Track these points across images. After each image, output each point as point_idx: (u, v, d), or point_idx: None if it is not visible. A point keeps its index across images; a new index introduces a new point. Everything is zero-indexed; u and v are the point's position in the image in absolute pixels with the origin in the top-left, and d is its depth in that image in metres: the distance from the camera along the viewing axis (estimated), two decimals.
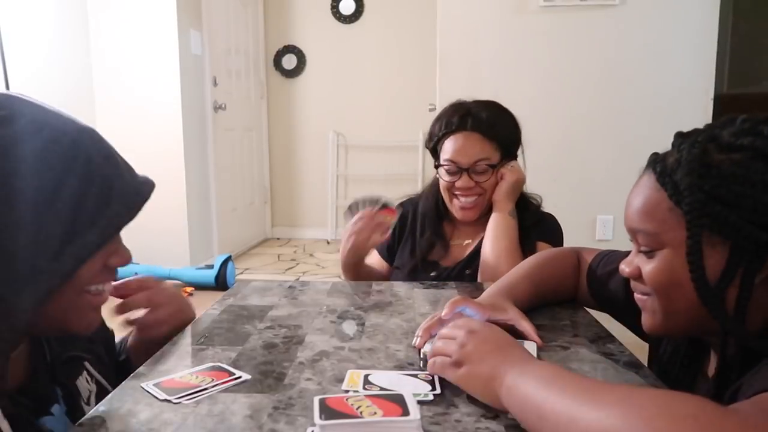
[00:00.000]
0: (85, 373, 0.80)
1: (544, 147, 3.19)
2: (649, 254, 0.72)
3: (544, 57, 3.22)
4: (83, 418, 0.65)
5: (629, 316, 0.87)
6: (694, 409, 0.46)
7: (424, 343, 0.82)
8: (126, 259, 0.73)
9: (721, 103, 3.14)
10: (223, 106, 4.09)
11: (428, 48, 3.95)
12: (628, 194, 0.76)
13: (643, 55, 3.16)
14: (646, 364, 0.84)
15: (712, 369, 0.76)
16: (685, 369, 0.81)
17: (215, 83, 4.02)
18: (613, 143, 3.27)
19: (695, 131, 0.71)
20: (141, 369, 0.78)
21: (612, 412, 0.49)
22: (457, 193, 1.40)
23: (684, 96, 3.15)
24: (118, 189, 0.67)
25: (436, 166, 1.43)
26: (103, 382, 0.81)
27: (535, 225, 1.41)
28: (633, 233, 0.75)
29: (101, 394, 0.78)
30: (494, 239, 1.36)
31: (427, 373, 0.74)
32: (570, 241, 1.55)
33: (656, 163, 0.72)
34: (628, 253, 0.80)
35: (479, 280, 1.36)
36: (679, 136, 0.72)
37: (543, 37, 3.20)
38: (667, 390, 0.51)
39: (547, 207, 1.54)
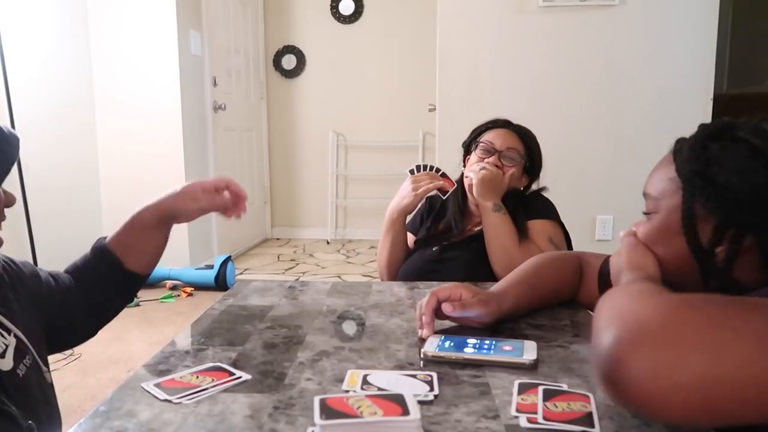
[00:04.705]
0: None
1: (543, 147, 3.19)
2: (648, 216, 0.81)
3: (543, 57, 3.22)
4: (83, 418, 0.65)
5: None
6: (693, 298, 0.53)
7: (432, 330, 0.87)
8: (10, 200, 0.82)
9: (720, 102, 3.15)
10: (222, 106, 4.09)
11: (428, 48, 3.95)
12: None
13: (643, 55, 3.16)
14: None
15: None
16: None
17: (215, 83, 4.02)
18: (612, 143, 3.27)
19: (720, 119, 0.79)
20: (141, 369, 0.79)
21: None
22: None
23: (683, 96, 3.15)
24: None
25: (468, 151, 1.62)
26: (20, 335, 0.82)
27: (523, 205, 1.54)
28: (645, 197, 0.82)
29: (21, 346, 0.82)
30: (490, 239, 1.48)
31: (427, 373, 0.75)
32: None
33: (678, 141, 0.80)
34: None
35: (494, 268, 1.46)
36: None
37: (542, 37, 3.20)
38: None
39: None
